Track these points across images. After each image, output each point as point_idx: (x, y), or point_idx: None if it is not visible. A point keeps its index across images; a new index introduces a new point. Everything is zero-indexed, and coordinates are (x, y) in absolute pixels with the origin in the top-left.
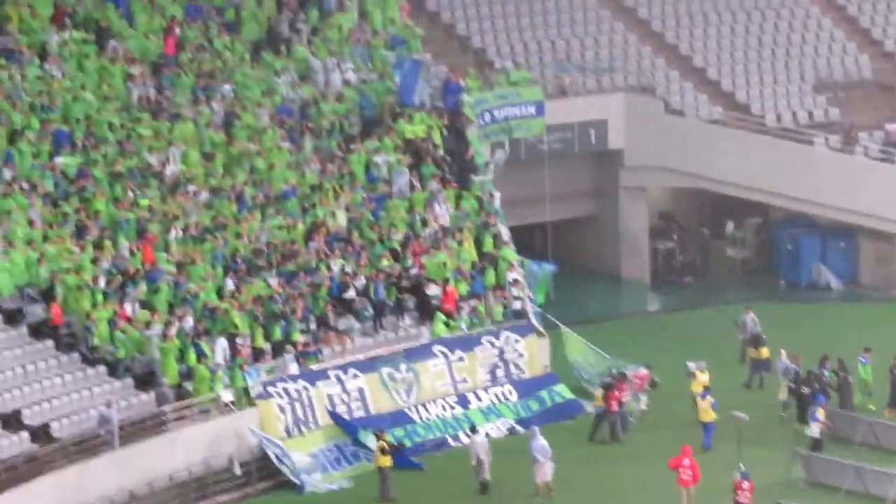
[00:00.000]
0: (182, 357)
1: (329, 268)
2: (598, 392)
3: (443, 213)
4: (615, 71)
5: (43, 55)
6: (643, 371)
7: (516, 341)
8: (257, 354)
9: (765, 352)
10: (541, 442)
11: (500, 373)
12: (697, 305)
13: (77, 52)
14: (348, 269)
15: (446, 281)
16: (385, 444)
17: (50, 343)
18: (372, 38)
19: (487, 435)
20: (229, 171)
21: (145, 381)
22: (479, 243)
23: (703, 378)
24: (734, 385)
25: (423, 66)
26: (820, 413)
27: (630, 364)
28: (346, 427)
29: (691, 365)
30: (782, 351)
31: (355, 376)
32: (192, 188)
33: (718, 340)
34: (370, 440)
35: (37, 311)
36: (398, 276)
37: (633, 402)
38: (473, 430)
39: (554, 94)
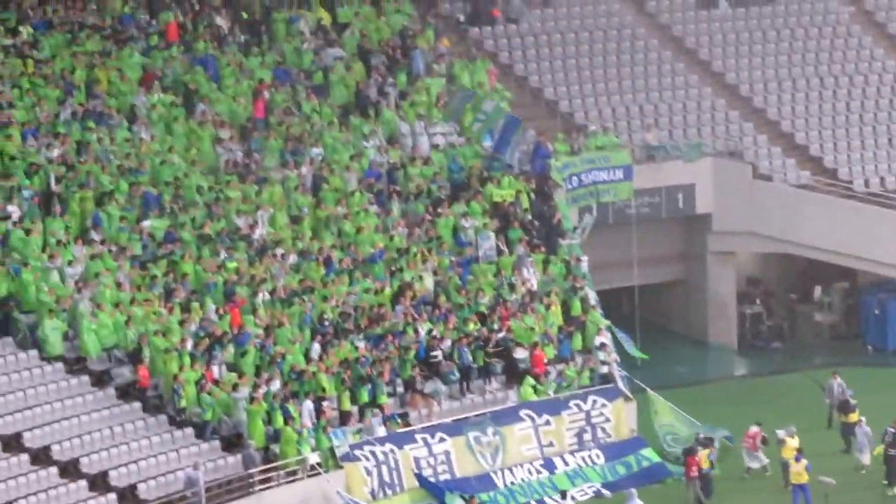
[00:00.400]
0: (269, 419)
1: (416, 331)
2: (702, 454)
3: (530, 277)
4: (705, 152)
5: (131, 118)
6: (754, 429)
7: (603, 405)
8: (344, 417)
9: (853, 417)
10: (637, 503)
11: (586, 437)
12: (784, 370)
13: (165, 115)
14: (435, 332)
15: (534, 345)
16: None
17: (137, 405)
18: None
19: (574, 499)
20: (317, 234)
21: (232, 443)
22: (566, 307)
23: (793, 443)
24: (820, 450)
25: (520, 126)
26: None
27: (718, 427)
28: (433, 490)
29: (780, 432)
30: (862, 419)
31: (442, 439)
32: (279, 251)
33: (805, 405)
34: (456, 503)
35: (124, 373)
36: (485, 340)
37: (752, 461)
38: (564, 496)
39: (642, 159)
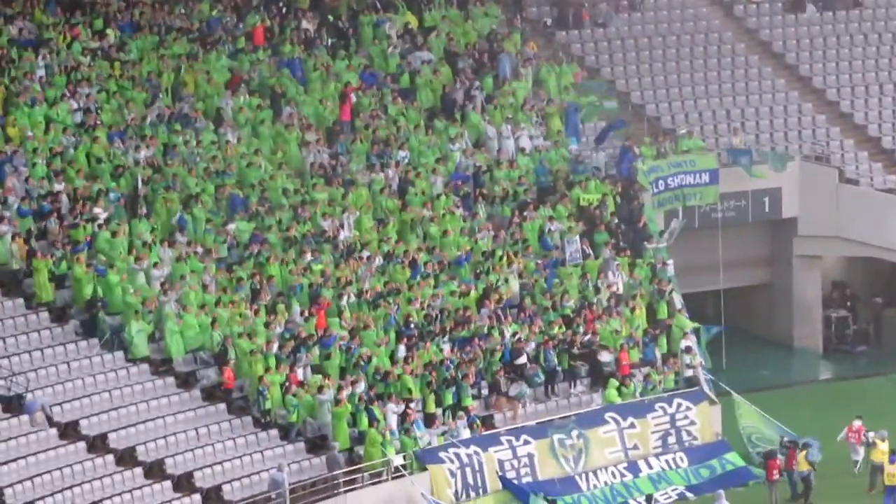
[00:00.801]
0: (354, 421)
1: (502, 334)
2: (799, 456)
3: (616, 280)
4: (790, 158)
5: (218, 121)
6: (857, 423)
7: (688, 408)
8: (428, 419)
9: None
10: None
11: (671, 440)
12: (869, 374)
13: (252, 118)
14: (520, 335)
15: (620, 348)
16: None
17: (222, 406)
18: (546, 105)
19: (658, 502)
20: (403, 236)
21: (317, 445)
22: (651, 311)
23: (884, 447)
24: None
25: (623, 130)
26: None
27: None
28: (517, 492)
29: (871, 434)
30: None
31: (526, 442)
32: (365, 254)
33: (890, 409)
34: None
35: (210, 375)
36: (570, 343)
37: (855, 454)
38: (650, 500)
39: (728, 163)
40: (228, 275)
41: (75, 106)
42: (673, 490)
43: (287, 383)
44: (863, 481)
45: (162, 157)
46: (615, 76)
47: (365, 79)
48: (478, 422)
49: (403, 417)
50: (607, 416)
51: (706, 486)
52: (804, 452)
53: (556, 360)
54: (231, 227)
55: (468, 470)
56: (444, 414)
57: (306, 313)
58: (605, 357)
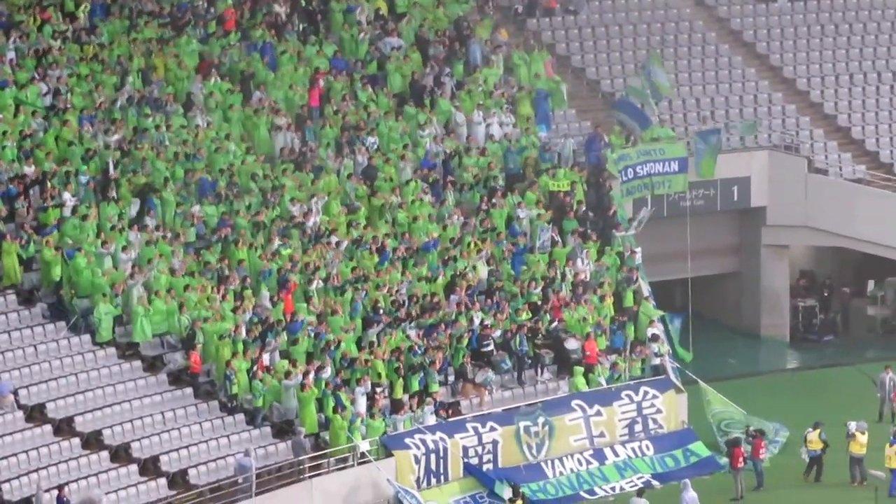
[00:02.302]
0: (320, 407)
1: (470, 320)
2: (812, 435)
3: (584, 267)
4: (760, 129)
5: (188, 105)
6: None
7: (654, 397)
8: (395, 405)
9: None
10: (691, 494)
11: (637, 428)
12: (837, 364)
13: (222, 102)
14: (487, 322)
15: (587, 336)
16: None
17: (189, 391)
18: (517, 92)
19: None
20: (371, 222)
21: (283, 430)
22: (619, 298)
23: (863, 439)
24: (871, 444)
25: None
26: None
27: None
28: (483, 479)
29: (852, 425)
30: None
31: (492, 428)
32: (333, 239)
33: (857, 399)
34: (505, 492)
35: (176, 359)
36: (536, 330)
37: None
38: (641, 493)
39: (694, 148)
40: (196, 259)
41: (45, 89)
42: (639, 478)
43: (254, 368)
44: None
45: (131, 141)
46: (585, 64)
47: (335, 64)
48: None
49: (371, 402)
50: (574, 403)
51: (672, 475)
52: (818, 431)
53: (523, 346)
54: (196, 209)
55: (433, 456)
56: (410, 400)
57: (275, 298)
58: (571, 344)
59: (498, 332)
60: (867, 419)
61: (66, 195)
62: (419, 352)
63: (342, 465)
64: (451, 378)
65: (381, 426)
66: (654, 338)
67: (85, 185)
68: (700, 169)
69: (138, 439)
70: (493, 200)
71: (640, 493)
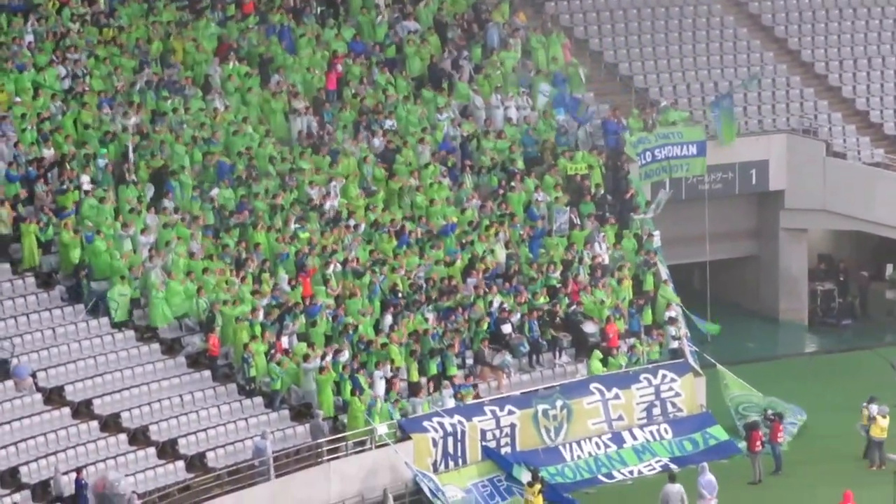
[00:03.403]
0: (338, 390)
1: (488, 304)
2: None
3: (602, 251)
4: (762, 78)
5: (206, 88)
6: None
7: (673, 380)
8: (413, 388)
9: None
10: (708, 477)
11: (655, 411)
12: (855, 348)
13: (240, 86)
14: (505, 305)
15: (607, 319)
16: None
17: (207, 374)
18: (535, 75)
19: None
20: (389, 206)
21: (301, 413)
22: (637, 282)
23: (884, 423)
24: (890, 428)
25: (582, 105)
26: None
27: (789, 404)
28: (501, 462)
29: (874, 408)
30: None
31: (511, 412)
32: (351, 222)
33: (875, 383)
34: (524, 475)
35: (195, 342)
36: (554, 314)
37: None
38: (672, 479)
39: (716, 135)
40: (215, 242)
41: (64, 72)
42: (657, 461)
43: (272, 351)
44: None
45: (150, 123)
46: (603, 47)
47: (353, 48)
48: (469, 390)
49: (389, 386)
50: (592, 386)
51: (690, 458)
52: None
53: (534, 332)
54: (214, 192)
55: (450, 440)
56: (427, 383)
57: (292, 281)
58: (589, 328)
59: (517, 316)
60: (886, 402)
61: (85, 178)
62: (437, 335)
63: (360, 449)
64: (470, 361)
65: (394, 410)
66: (672, 321)
67: (103, 168)
68: (722, 136)
69: (156, 422)
70: (512, 184)
71: (671, 478)
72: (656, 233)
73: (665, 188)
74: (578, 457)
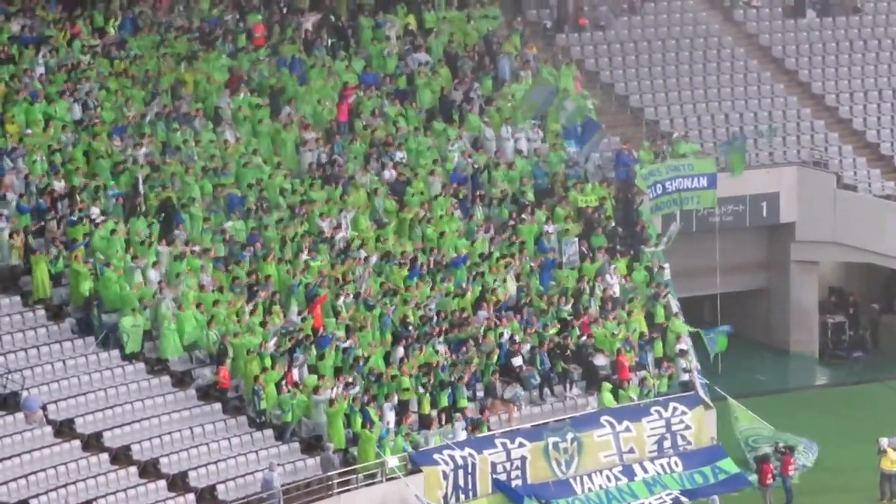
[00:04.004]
0: (349, 422)
1: (498, 336)
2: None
3: (613, 283)
4: (780, 133)
5: (217, 119)
6: None
7: (683, 413)
8: (424, 421)
9: None
10: None
11: (666, 444)
12: (866, 380)
13: (251, 117)
14: (517, 337)
15: (618, 351)
16: None
17: (217, 406)
18: (560, 93)
19: None
20: (400, 237)
21: (312, 445)
22: (648, 314)
23: (894, 456)
24: None
25: (600, 130)
26: None
27: (802, 438)
28: (512, 495)
29: (884, 441)
30: None
31: (521, 444)
32: (362, 254)
33: (886, 416)
34: None
35: (205, 374)
36: (564, 346)
37: None
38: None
39: (726, 167)
40: (225, 273)
41: (75, 104)
42: (668, 494)
43: (283, 383)
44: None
45: (160, 155)
46: (614, 79)
47: (364, 79)
48: (485, 423)
49: (400, 418)
50: (603, 419)
51: (701, 491)
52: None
53: (545, 364)
54: (227, 226)
55: (461, 472)
56: (439, 416)
57: (303, 313)
58: (599, 360)
59: (527, 348)
60: None
61: (95, 210)
62: (446, 367)
63: (371, 482)
64: (480, 394)
65: (405, 442)
66: (682, 353)
67: (114, 199)
68: (731, 165)
69: (167, 455)
70: (523, 216)
71: None
72: (667, 265)
73: (676, 220)
74: (589, 489)
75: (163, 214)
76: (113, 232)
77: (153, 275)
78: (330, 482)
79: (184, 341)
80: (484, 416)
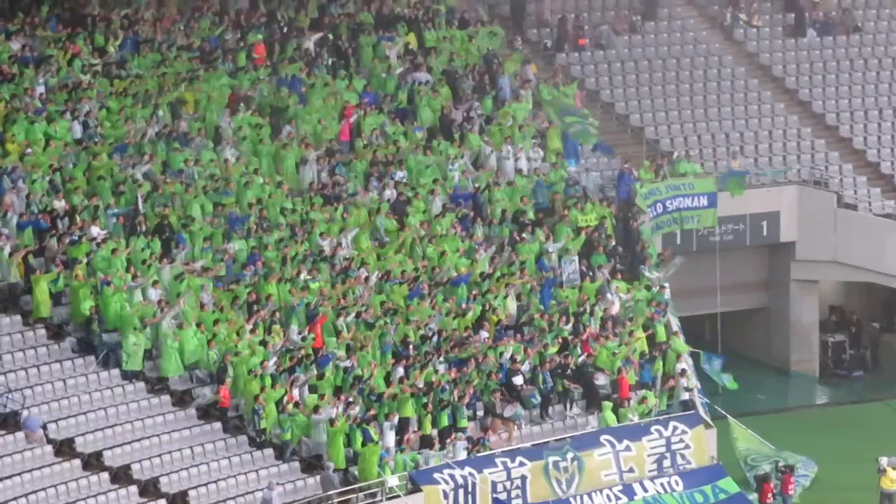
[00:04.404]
0: (349, 441)
1: (501, 355)
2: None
3: (613, 302)
4: (789, 170)
5: (217, 139)
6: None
7: (684, 432)
8: (425, 440)
9: None
10: None
11: (666, 463)
12: (866, 399)
13: (251, 136)
14: (517, 357)
15: (619, 370)
16: None
17: (218, 426)
18: (548, 127)
19: None
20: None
21: (312, 464)
22: (648, 333)
23: (894, 475)
24: None
25: (611, 155)
26: None
27: (800, 456)
28: None
29: (884, 460)
30: None
31: (522, 463)
32: (363, 273)
33: (887, 435)
34: None
35: (206, 394)
36: (563, 366)
37: None
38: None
39: (721, 186)
40: (226, 292)
41: (75, 123)
42: None
43: (283, 402)
44: None
45: (161, 174)
46: (615, 98)
47: (365, 98)
48: (486, 444)
49: (401, 438)
50: (603, 438)
51: None
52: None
53: (551, 381)
54: (229, 246)
55: (461, 491)
56: (439, 435)
57: (305, 332)
58: (600, 380)
59: (527, 367)
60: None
61: (95, 229)
62: (447, 388)
63: (371, 501)
64: (480, 413)
65: (408, 461)
66: (683, 373)
67: (114, 219)
68: (728, 185)
69: (167, 474)
70: (523, 235)
71: None
72: (667, 284)
73: (677, 239)
74: None
75: (163, 234)
76: (114, 251)
77: (153, 294)
78: (330, 501)
79: (185, 357)
80: (486, 434)
